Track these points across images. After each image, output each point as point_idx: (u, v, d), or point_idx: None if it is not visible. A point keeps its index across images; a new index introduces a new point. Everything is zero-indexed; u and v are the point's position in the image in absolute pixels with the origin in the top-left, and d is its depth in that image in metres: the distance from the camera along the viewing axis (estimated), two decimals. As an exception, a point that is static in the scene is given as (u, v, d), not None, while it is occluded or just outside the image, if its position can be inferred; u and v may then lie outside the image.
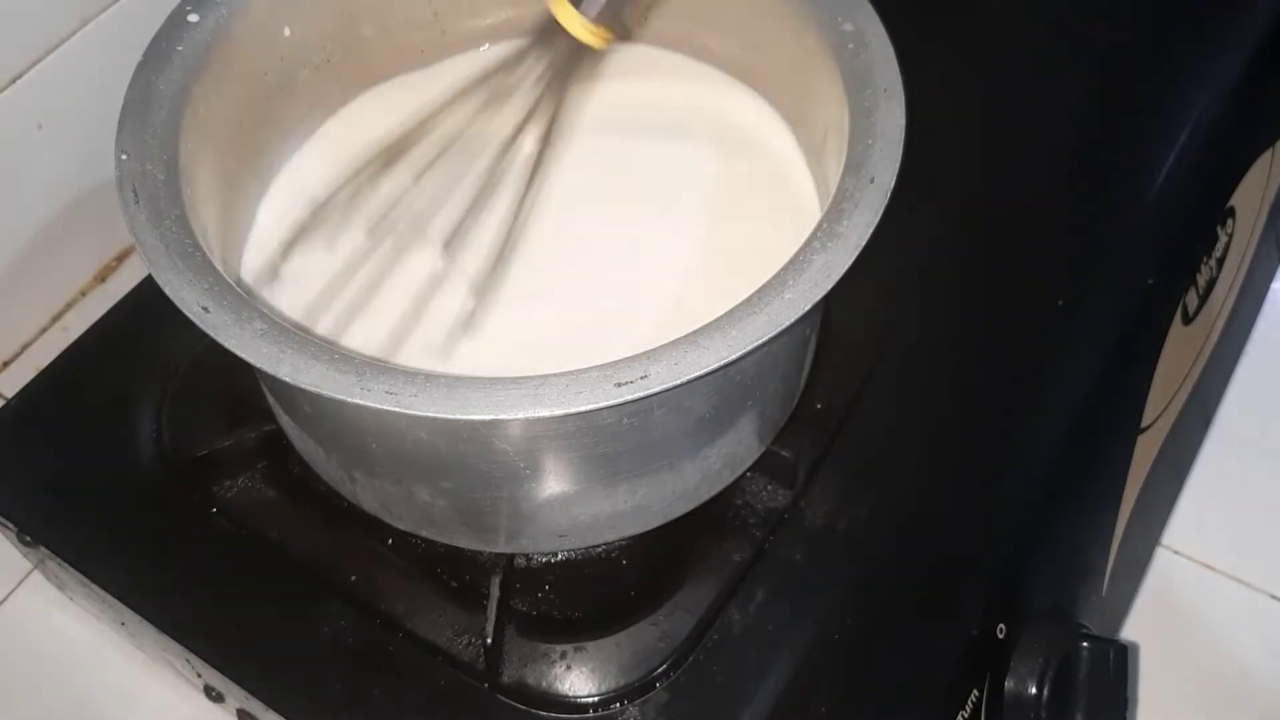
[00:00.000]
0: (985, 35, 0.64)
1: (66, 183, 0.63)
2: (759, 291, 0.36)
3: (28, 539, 0.50)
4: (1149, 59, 0.63)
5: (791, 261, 0.37)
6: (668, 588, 0.46)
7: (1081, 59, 0.63)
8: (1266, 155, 0.67)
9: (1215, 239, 0.62)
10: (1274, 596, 0.62)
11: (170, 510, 0.50)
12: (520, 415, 0.34)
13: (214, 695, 0.51)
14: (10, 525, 0.50)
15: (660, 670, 0.44)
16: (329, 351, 0.35)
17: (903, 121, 0.41)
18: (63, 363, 0.55)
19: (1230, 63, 0.64)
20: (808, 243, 0.38)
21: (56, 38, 0.59)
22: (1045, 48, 0.64)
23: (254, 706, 0.46)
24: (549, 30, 0.45)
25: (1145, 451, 0.58)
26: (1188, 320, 0.60)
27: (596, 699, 0.44)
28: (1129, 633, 0.60)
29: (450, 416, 0.34)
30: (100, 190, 0.65)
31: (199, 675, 0.49)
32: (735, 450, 0.45)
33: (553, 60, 0.46)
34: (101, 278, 0.68)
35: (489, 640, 0.44)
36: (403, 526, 0.46)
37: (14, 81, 0.58)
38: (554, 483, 0.41)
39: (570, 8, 0.44)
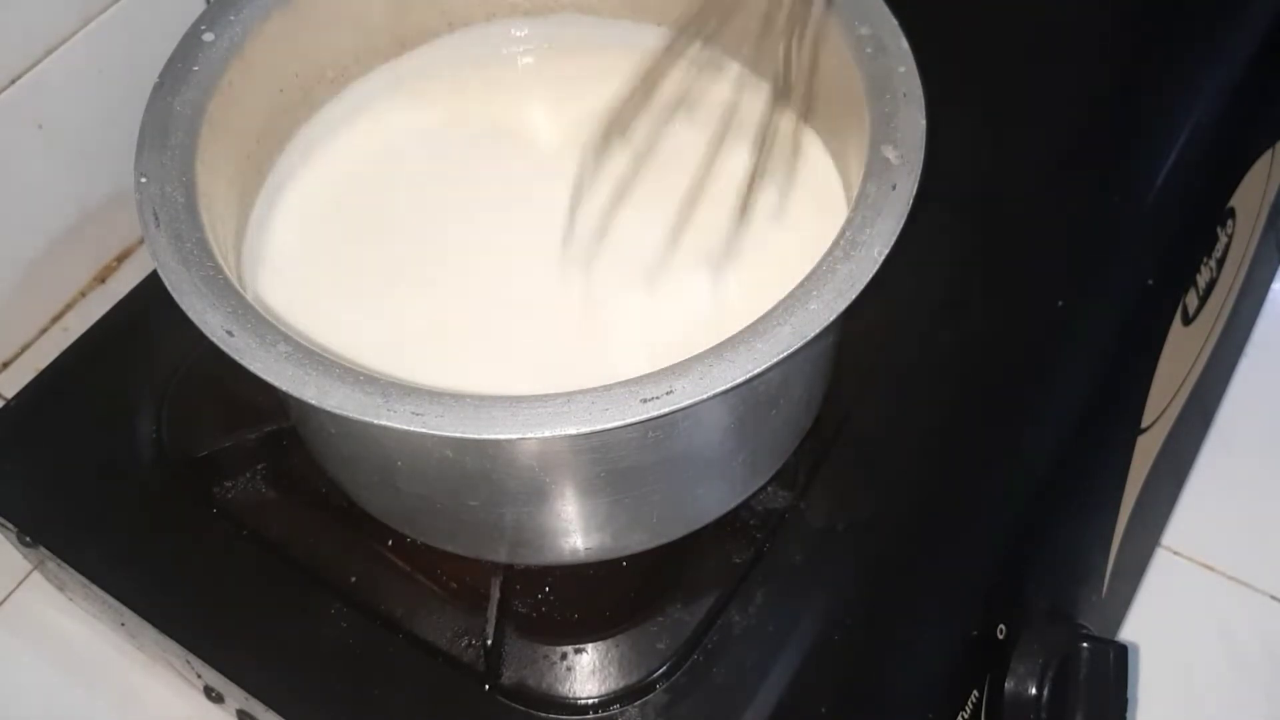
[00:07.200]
0: (986, 35, 0.64)
1: (66, 183, 0.63)
2: (783, 302, 0.36)
3: (28, 539, 0.50)
4: (1149, 59, 0.63)
5: (815, 271, 0.37)
6: (668, 589, 0.46)
7: (1082, 59, 0.63)
8: (1266, 156, 0.67)
9: (1215, 239, 0.62)
10: (1274, 597, 0.62)
11: (170, 510, 0.50)
12: (546, 433, 0.34)
13: (214, 695, 0.51)
14: (10, 525, 0.50)
15: (660, 671, 0.44)
16: (354, 373, 0.35)
17: (924, 126, 0.40)
18: (63, 363, 0.55)
19: (1230, 63, 0.64)
20: (830, 251, 0.37)
21: (56, 38, 0.59)
22: (1046, 48, 0.64)
23: (254, 707, 0.46)
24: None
25: (1145, 452, 0.58)
26: (1188, 321, 0.60)
27: (596, 700, 0.44)
28: (1129, 633, 0.60)
29: (477, 436, 0.34)
30: (100, 190, 0.64)
31: (199, 675, 0.49)
32: (761, 460, 0.45)
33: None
34: (101, 278, 0.67)
35: (489, 641, 0.44)
36: (424, 540, 0.46)
37: (14, 81, 0.58)
38: (580, 498, 0.41)
39: None
